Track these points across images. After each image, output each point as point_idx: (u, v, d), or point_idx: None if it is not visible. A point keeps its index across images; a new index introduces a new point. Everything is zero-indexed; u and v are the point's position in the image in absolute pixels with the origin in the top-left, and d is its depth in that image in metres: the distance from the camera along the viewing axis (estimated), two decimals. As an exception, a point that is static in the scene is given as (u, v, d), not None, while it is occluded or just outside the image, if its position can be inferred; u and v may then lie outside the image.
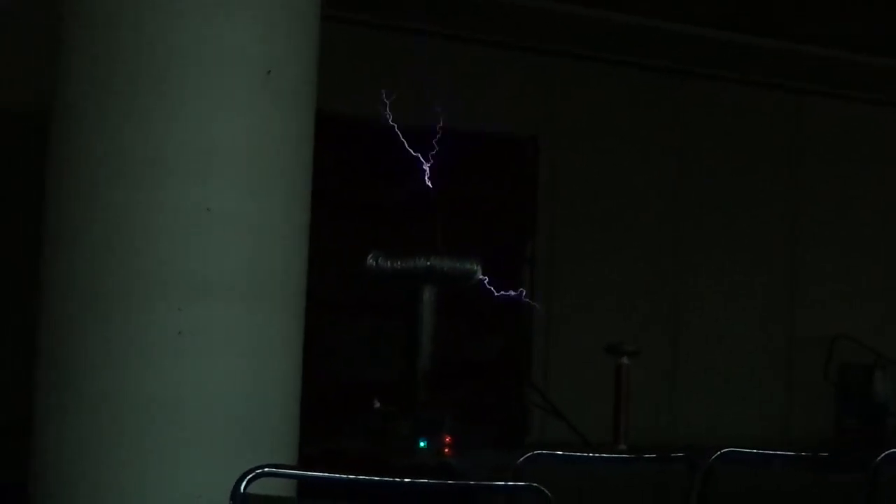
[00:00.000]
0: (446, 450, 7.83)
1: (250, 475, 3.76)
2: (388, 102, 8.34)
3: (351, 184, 9.93)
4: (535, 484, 3.89)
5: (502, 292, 8.56)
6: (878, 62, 12.56)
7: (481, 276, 8.36)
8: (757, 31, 11.92)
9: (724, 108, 12.52)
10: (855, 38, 12.04)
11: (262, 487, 3.85)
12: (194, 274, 5.28)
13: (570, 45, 11.72)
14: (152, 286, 5.26)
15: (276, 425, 5.38)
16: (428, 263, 8.15)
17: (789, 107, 12.80)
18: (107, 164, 5.28)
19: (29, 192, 5.90)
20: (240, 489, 3.74)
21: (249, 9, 5.37)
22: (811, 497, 5.36)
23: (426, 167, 8.40)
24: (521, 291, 9.43)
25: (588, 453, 5.17)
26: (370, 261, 8.19)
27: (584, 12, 11.48)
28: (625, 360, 9.38)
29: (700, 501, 5.12)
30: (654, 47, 11.92)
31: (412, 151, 8.37)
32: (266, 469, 3.78)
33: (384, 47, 10.83)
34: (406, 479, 3.82)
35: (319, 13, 5.72)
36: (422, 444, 7.84)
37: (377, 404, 8.15)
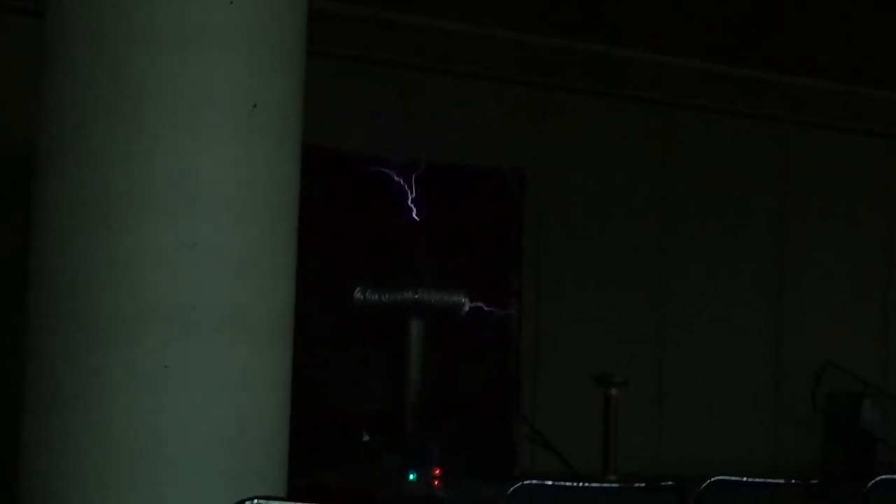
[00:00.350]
0: (435, 482, 7.81)
1: (243, 505, 3.75)
2: (373, 136, 8.37)
3: (338, 218, 9.93)
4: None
5: (489, 325, 8.57)
6: (861, 92, 12.62)
7: (468, 309, 8.36)
8: (740, 61, 11.97)
9: (711, 139, 12.55)
10: (838, 68, 12.10)
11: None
12: (181, 309, 5.28)
13: (557, 77, 11.75)
14: (139, 321, 5.26)
15: (264, 459, 5.37)
16: (415, 297, 8.16)
17: (776, 136, 12.84)
18: (92, 201, 5.29)
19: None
20: (230, 521, 3.73)
21: (233, 44, 5.37)
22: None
23: (412, 201, 8.42)
24: (508, 323, 9.45)
25: (578, 483, 5.17)
26: (357, 294, 8.19)
27: (571, 45, 11.51)
28: (613, 390, 9.37)
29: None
30: (640, 79, 11.96)
31: (399, 185, 8.39)
32: (256, 500, 3.77)
33: (370, 81, 10.85)
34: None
35: (304, 48, 5.73)
36: (411, 476, 7.82)
37: (366, 437, 8.13)
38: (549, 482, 5.13)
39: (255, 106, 5.36)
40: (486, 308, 8.67)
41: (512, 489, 4.87)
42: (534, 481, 5.01)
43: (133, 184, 5.23)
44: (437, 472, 7.83)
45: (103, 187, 5.25)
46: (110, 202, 5.25)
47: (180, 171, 5.26)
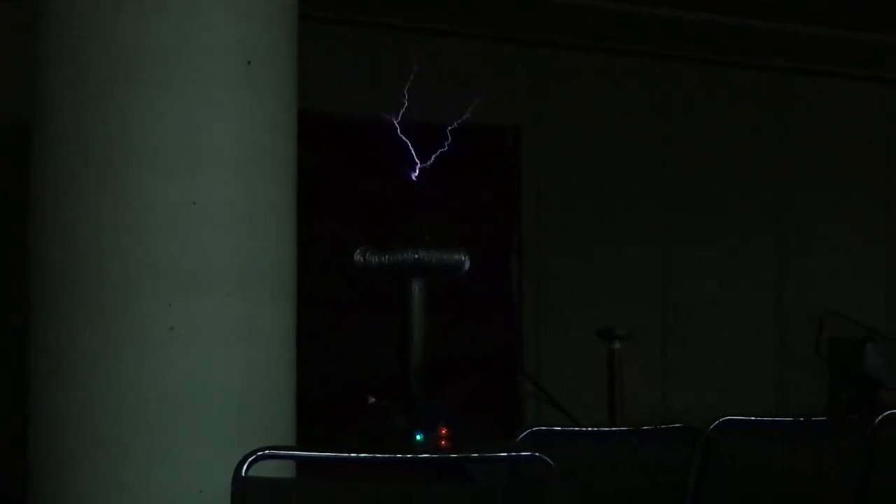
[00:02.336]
0: (443, 442, 7.82)
1: (251, 458, 3.74)
2: (370, 98, 8.36)
3: (335, 181, 9.94)
4: (537, 453, 3.89)
5: (491, 283, 8.58)
6: (861, 37, 12.59)
7: (469, 267, 8.36)
8: (740, 11, 11.94)
9: (709, 91, 12.54)
10: (836, 14, 12.07)
11: (264, 473, 3.84)
12: (183, 269, 5.27)
13: (554, 34, 11.73)
14: (142, 284, 5.25)
15: (275, 413, 5.39)
16: (416, 256, 8.15)
17: (775, 86, 12.83)
18: (90, 163, 5.28)
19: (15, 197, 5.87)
20: (241, 472, 3.73)
21: (223, 0, 5.36)
22: (813, 462, 5.36)
23: (410, 161, 8.41)
24: (510, 281, 9.45)
25: (586, 428, 5.18)
26: (358, 256, 8.18)
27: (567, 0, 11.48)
28: (617, 343, 9.39)
29: (701, 471, 5.13)
30: (638, 33, 11.93)
31: (396, 146, 8.38)
32: (267, 451, 3.77)
33: (365, 44, 10.84)
34: (406, 455, 3.81)
35: (296, 3, 5.72)
36: (419, 437, 7.83)
37: (371, 400, 8.14)
38: (558, 428, 5.13)
39: (249, 63, 5.36)
40: (487, 266, 8.68)
41: (521, 436, 4.86)
42: (542, 427, 5.00)
43: (131, 143, 5.22)
44: (445, 431, 7.84)
45: (101, 149, 5.25)
46: (108, 163, 5.24)
47: (178, 129, 5.25)
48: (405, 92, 8.42)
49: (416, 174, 8.38)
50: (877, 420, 5.34)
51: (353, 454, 3.81)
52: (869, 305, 12.78)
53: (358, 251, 8.18)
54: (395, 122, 8.41)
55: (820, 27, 12.34)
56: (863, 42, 12.67)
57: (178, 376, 5.25)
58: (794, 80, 12.88)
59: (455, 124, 9.88)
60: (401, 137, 8.39)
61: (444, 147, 8.61)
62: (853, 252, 13.07)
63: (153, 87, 5.23)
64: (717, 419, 5.23)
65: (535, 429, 4.96)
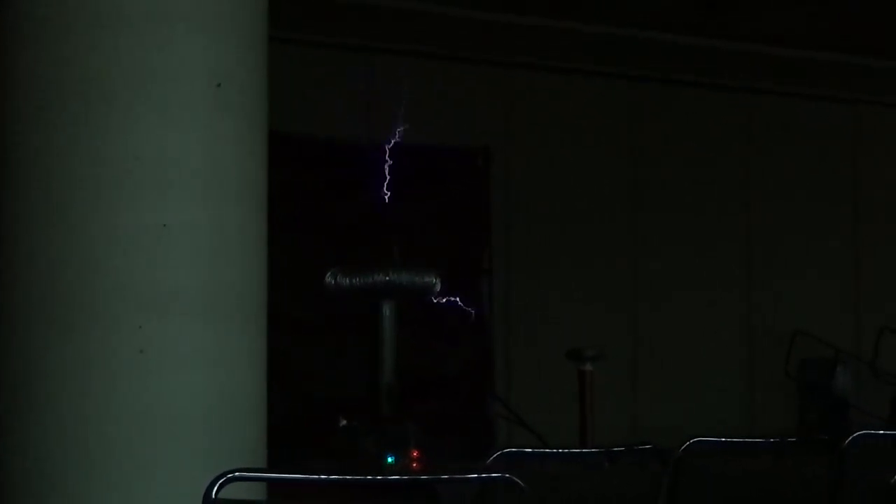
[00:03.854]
0: (414, 464, 7.81)
1: (221, 479, 3.74)
2: (341, 120, 8.37)
3: (305, 202, 9.94)
4: (507, 475, 3.89)
5: (461, 304, 8.58)
6: (821, 57, 12.67)
7: (439, 289, 8.36)
8: (703, 32, 12.01)
9: (677, 110, 12.61)
10: (797, 35, 12.16)
11: (234, 495, 3.84)
12: (153, 291, 5.25)
13: (523, 55, 11.77)
14: (112, 305, 5.23)
15: (245, 435, 5.37)
16: (386, 278, 8.14)
17: (743, 106, 12.90)
18: (59, 185, 5.26)
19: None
20: (211, 494, 3.72)
21: (194, 21, 5.35)
22: (783, 483, 5.39)
23: (380, 182, 8.43)
24: (480, 302, 9.45)
25: (557, 449, 5.19)
26: (328, 278, 8.17)
27: (535, 22, 11.53)
28: (587, 365, 9.39)
29: (670, 491, 5.14)
30: (606, 54, 11.99)
31: (366, 168, 8.40)
32: (238, 473, 3.77)
33: (335, 66, 10.85)
34: (377, 477, 3.82)
35: (266, 26, 5.73)
36: (389, 459, 7.82)
37: (342, 422, 8.13)
38: (529, 449, 5.14)
39: (218, 85, 5.35)
40: (457, 287, 8.68)
41: (492, 457, 4.86)
42: (513, 449, 5.01)
43: (100, 166, 5.21)
44: (416, 454, 7.83)
45: (69, 171, 5.23)
46: (77, 186, 5.23)
47: (149, 152, 5.24)
48: (375, 113, 8.44)
49: (387, 195, 8.39)
50: (847, 440, 5.35)
51: (323, 476, 3.81)
52: (839, 326, 12.84)
53: (329, 273, 8.17)
54: (366, 144, 8.43)
55: (789, 48, 12.43)
56: (830, 62, 12.76)
57: (148, 398, 5.23)
58: (761, 100, 12.97)
59: (426, 145, 9.92)
60: (371, 158, 8.40)
61: (415, 168, 8.62)
62: (822, 272, 13.13)
63: (122, 109, 5.22)
64: (687, 439, 5.25)
65: (505, 450, 4.96)
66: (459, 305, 8.58)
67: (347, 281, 8.14)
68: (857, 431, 5.50)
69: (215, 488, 3.73)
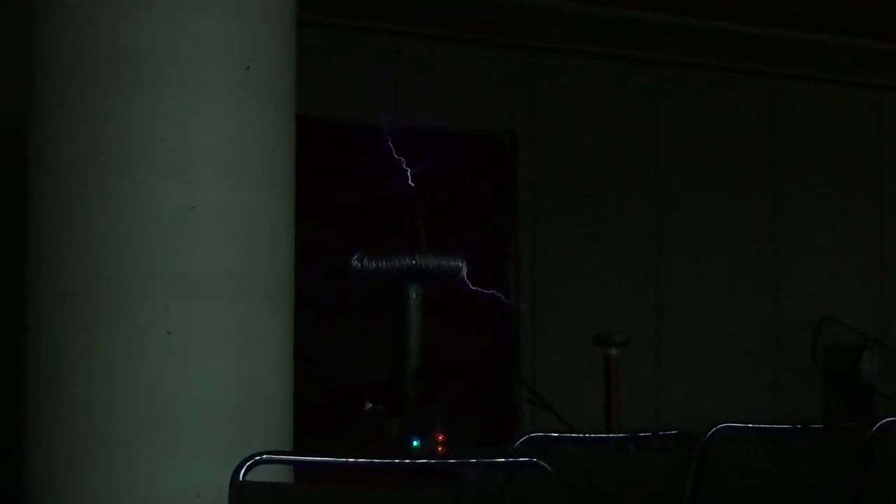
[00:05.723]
0: (440, 448, 7.82)
1: (249, 462, 3.75)
2: (366, 104, 8.36)
3: (332, 186, 9.94)
4: (534, 459, 3.89)
5: (487, 289, 8.58)
6: (848, 42, 12.61)
7: (466, 272, 8.36)
8: (724, 16, 11.96)
9: (701, 95, 12.56)
10: (829, 19, 12.09)
11: (261, 477, 3.85)
12: (180, 274, 5.26)
13: (546, 39, 11.74)
14: (139, 288, 5.24)
15: (271, 418, 5.38)
16: (412, 262, 8.15)
17: (770, 92, 12.85)
18: (87, 167, 5.27)
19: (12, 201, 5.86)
20: (238, 477, 3.73)
21: (223, 3, 5.36)
22: (809, 470, 5.37)
23: (406, 166, 8.42)
24: (506, 287, 9.44)
25: (584, 434, 5.19)
26: (354, 261, 8.19)
27: (559, 5, 11.50)
28: (613, 350, 9.38)
29: (697, 478, 5.13)
30: (632, 38, 11.96)
31: (392, 152, 8.39)
32: (265, 456, 3.78)
33: (361, 50, 10.84)
34: (405, 461, 3.82)
35: (294, 9, 5.72)
36: (415, 443, 7.83)
37: (368, 405, 8.14)
38: (555, 434, 5.14)
39: (247, 67, 5.36)
40: (482, 272, 8.68)
41: (518, 442, 4.87)
42: (540, 433, 5.01)
43: (129, 149, 5.22)
44: (441, 437, 7.84)
45: (99, 153, 5.24)
46: (107, 168, 5.23)
47: (176, 133, 5.24)
48: (401, 98, 8.43)
49: (413, 179, 8.39)
50: (874, 427, 5.34)
51: (350, 459, 3.82)
52: (865, 312, 12.79)
53: (355, 256, 8.18)
54: (393, 127, 8.42)
55: (813, 33, 12.36)
56: (856, 47, 12.69)
57: (175, 381, 5.24)
58: (788, 86, 12.91)
59: (452, 129, 9.91)
60: (396, 143, 8.40)
61: (441, 152, 8.62)
62: (849, 258, 13.08)
63: (150, 91, 5.23)
64: (713, 425, 5.24)
65: (532, 434, 4.97)
66: (485, 290, 8.58)
67: (374, 264, 8.16)
68: (883, 418, 5.48)
69: (242, 470, 3.74)
